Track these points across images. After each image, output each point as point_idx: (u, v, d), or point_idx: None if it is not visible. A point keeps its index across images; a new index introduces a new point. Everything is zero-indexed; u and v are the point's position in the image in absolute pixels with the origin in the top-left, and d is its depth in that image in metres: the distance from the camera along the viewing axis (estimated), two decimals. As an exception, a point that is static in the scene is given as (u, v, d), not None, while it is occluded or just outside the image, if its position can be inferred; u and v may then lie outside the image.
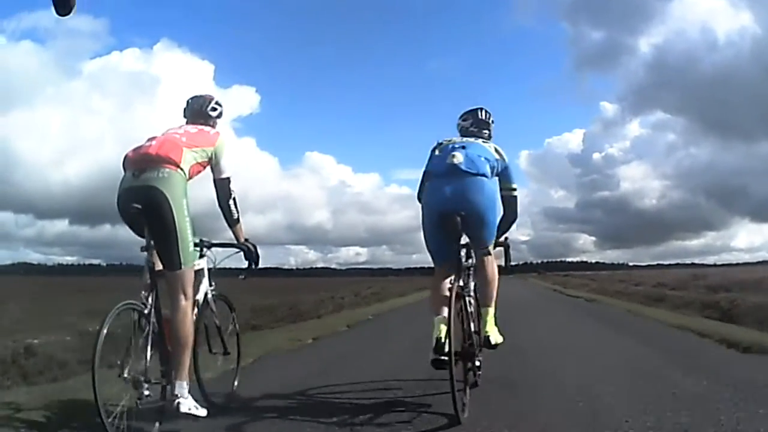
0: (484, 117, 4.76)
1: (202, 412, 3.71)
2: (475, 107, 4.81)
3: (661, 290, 20.02)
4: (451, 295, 3.93)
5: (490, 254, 4.44)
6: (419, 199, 4.48)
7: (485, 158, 4.27)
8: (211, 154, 3.98)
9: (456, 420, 3.67)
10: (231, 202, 4.07)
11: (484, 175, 4.20)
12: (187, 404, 3.59)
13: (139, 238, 3.66)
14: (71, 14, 2.99)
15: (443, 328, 3.86)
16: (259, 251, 4.24)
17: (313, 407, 4.42)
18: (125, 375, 3.32)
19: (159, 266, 3.70)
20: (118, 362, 3.35)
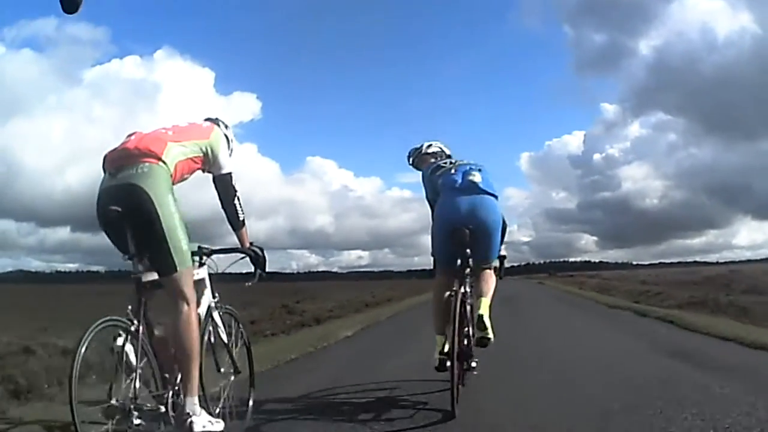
0: (447, 151, 5.29)
1: (219, 426, 3.31)
2: (431, 141, 5.35)
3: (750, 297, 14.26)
4: (455, 298, 4.22)
5: (490, 268, 4.68)
6: (429, 201, 4.87)
7: (493, 185, 4.60)
8: (206, 149, 3.54)
9: (451, 414, 4.01)
10: (236, 201, 3.64)
11: (495, 195, 4.55)
12: (201, 422, 3.18)
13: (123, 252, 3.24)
14: (78, 11, 2.86)
15: (445, 347, 4.44)
16: (266, 255, 3.80)
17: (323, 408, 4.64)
18: (113, 402, 2.86)
19: (147, 277, 3.25)
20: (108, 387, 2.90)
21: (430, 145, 5.28)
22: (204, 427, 3.18)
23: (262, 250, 3.78)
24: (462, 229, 4.32)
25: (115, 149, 3.37)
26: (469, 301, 4.50)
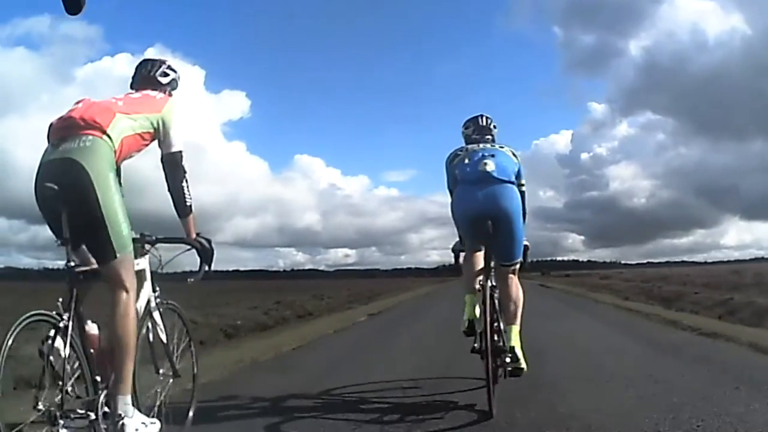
0: (485, 123, 4.84)
1: (155, 427, 2.96)
2: (475, 114, 4.90)
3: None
4: (483, 294, 4.15)
5: (514, 273, 4.43)
6: (449, 191, 4.63)
7: (510, 166, 4.38)
8: (157, 123, 3.17)
9: (489, 414, 3.82)
10: (184, 183, 3.25)
11: (512, 182, 4.32)
12: (134, 424, 2.82)
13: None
14: (81, 13, 2.68)
15: (475, 309, 4.33)
16: (214, 248, 3.40)
17: (339, 406, 4.57)
18: (40, 407, 2.51)
19: (81, 266, 2.89)
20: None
21: (467, 123, 4.93)
22: (137, 430, 2.82)
23: (209, 241, 3.38)
24: (484, 220, 4.16)
25: (61, 117, 3.01)
26: (497, 295, 4.40)
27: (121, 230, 2.89)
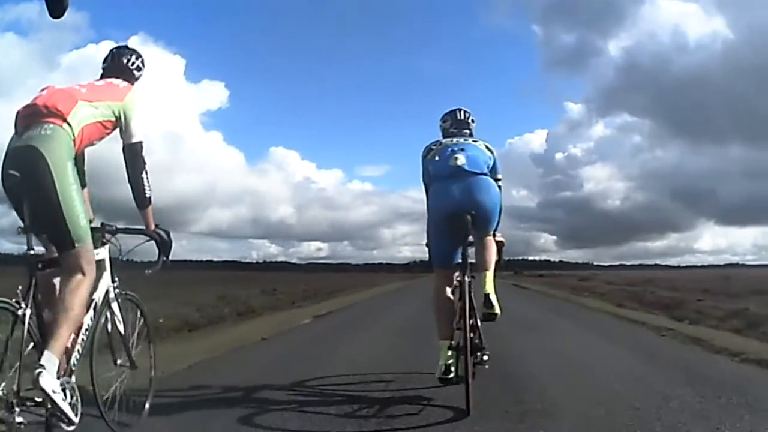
0: (462, 117, 4.82)
1: (58, 397, 2.66)
2: (453, 108, 4.88)
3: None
4: (461, 289, 4.15)
5: (489, 235, 4.39)
6: (425, 186, 4.57)
7: (482, 158, 4.35)
8: (119, 113, 3.18)
9: (465, 412, 3.75)
10: (143, 175, 3.25)
11: (486, 174, 4.29)
12: (51, 383, 2.61)
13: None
14: (64, 16, 2.74)
15: (450, 354, 4.19)
16: (173, 240, 3.42)
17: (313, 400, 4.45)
18: None
19: (41, 254, 2.91)
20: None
21: (445, 116, 4.87)
22: (53, 391, 2.62)
23: (168, 233, 3.41)
24: (462, 215, 4.11)
25: (26, 105, 3.02)
26: (473, 292, 4.29)
27: (79, 221, 2.89)
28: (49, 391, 2.60)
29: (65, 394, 2.75)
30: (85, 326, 3.00)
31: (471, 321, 4.11)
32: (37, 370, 2.61)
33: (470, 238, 4.32)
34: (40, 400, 2.66)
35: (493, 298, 4.11)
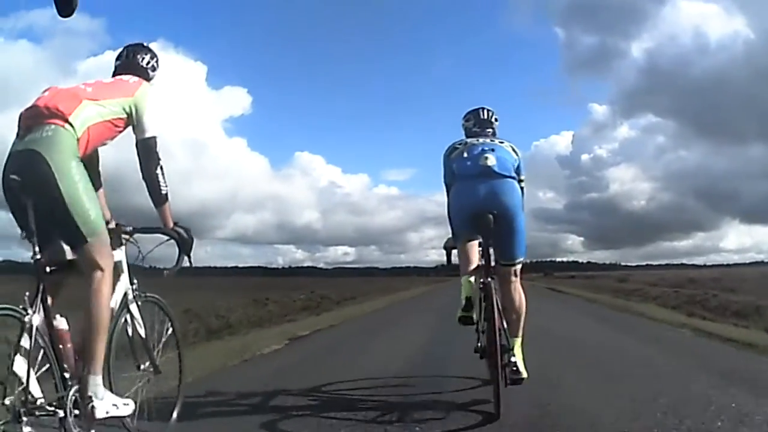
0: (486, 116, 4.70)
1: (126, 408, 2.85)
2: (477, 107, 4.76)
3: None
4: (484, 292, 3.95)
5: (517, 276, 4.25)
6: (445, 185, 4.49)
7: (510, 161, 4.26)
8: (130, 109, 3.07)
9: (495, 416, 3.65)
10: (158, 171, 3.12)
11: (513, 177, 4.21)
12: (104, 406, 2.72)
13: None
14: (73, 15, 2.72)
15: (472, 287, 3.93)
16: (194, 238, 3.28)
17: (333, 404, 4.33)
18: (5, 402, 2.42)
19: (48, 259, 2.78)
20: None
21: (468, 115, 4.75)
22: (108, 412, 2.72)
23: (188, 231, 3.26)
24: (485, 214, 4.00)
25: (28, 107, 2.94)
26: (497, 293, 4.16)
27: (88, 215, 2.80)
28: (105, 415, 2.72)
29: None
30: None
31: (496, 324, 3.93)
32: (89, 405, 2.68)
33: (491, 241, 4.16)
34: (51, 409, 2.60)
35: (520, 365, 4.02)
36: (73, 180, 2.76)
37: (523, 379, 3.99)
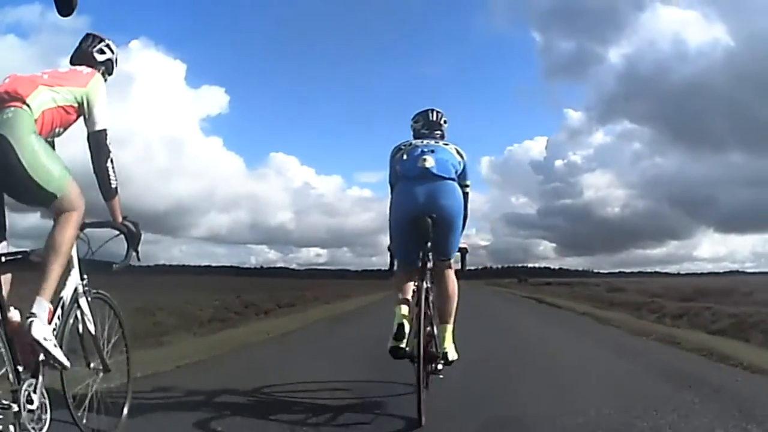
0: (435, 118, 4.70)
1: (58, 353, 2.78)
2: (425, 109, 4.76)
3: None
4: (418, 296, 3.97)
5: (451, 267, 4.36)
6: (390, 186, 4.45)
7: (451, 162, 4.26)
8: (82, 99, 3.14)
9: (417, 422, 3.65)
10: (108, 164, 3.18)
11: (453, 179, 4.21)
12: (43, 331, 2.71)
13: None
14: (73, 14, 2.74)
15: (405, 313, 3.91)
16: (142, 233, 3.32)
17: (269, 407, 4.35)
18: None
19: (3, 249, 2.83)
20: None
21: (417, 117, 4.75)
22: (45, 338, 2.71)
23: (136, 225, 3.31)
24: (424, 218, 4.01)
25: None
26: (432, 297, 4.24)
27: (52, 175, 2.88)
28: (41, 339, 2.67)
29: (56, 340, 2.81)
30: (52, 325, 2.88)
31: (427, 329, 4.00)
32: (29, 319, 2.68)
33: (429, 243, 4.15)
34: (5, 403, 2.59)
35: (450, 356, 4.10)
36: (33, 148, 2.82)
37: (453, 361, 4.10)
